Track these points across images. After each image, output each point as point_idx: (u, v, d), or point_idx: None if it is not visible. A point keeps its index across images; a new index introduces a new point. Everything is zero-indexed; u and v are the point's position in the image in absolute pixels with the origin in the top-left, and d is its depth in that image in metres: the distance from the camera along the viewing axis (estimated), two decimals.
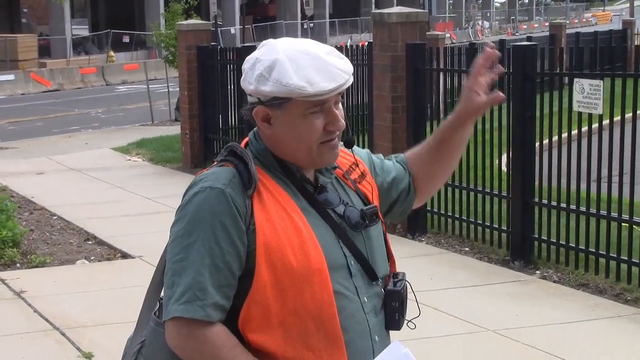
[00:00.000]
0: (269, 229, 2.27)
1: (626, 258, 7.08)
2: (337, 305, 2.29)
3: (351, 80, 2.32)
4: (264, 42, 2.37)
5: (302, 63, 2.27)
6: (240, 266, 2.28)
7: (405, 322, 2.49)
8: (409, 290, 2.50)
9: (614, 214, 7.23)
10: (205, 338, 2.24)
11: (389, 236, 2.60)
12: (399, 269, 2.57)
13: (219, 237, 2.26)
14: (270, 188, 2.33)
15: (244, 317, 2.27)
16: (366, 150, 2.70)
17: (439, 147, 2.64)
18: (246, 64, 2.35)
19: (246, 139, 2.44)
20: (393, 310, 2.44)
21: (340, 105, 2.36)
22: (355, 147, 2.59)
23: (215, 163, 2.38)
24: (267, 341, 2.27)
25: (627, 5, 53.01)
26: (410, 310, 2.53)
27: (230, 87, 12.92)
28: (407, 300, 2.49)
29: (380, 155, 2.72)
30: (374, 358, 2.36)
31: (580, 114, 7.48)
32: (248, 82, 2.32)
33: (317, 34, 49.66)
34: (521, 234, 7.93)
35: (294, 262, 2.26)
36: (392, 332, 2.50)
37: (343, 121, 2.35)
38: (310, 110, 2.30)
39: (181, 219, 2.31)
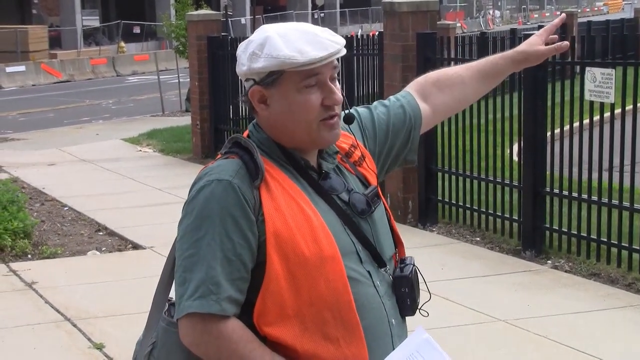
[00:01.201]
0: (279, 219, 2.24)
1: (638, 247, 7.05)
2: (352, 291, 2.26)
3: (343, 51, 2.31)
4: (259, 28, 2.38)
5: (293, 37, 2.27)
6: (252, 258, 2.24)
7: (418, 310, 2.46)
8: (418, 274, 2.46)
9: (626, 204, 7.20)
10: (220, 333, 2.20)
11: (398, 225, 2.57)
12: None
13: (230, 230, 2.22)
14: (276, 177, 2.29)
15: (259, 310, 2.23)
16: (359, 115, 2.64)
17: (483, 79, 2.76)
18: (239, 49, 2.35)
19: (247, 132, 2.41)
20: (403, 295, 2.41)
21: (337, 82, 2.34)
22: (359, 121, 2.58)
23: (220, 156, 2.35)
24: (284, 334, 2.22)
25: None
26: (423, 297, 2.50)
27: None
28: (419, 284, 2.45)
29: (377, 110, 2.66)
30: (392, 341, 2.34)
31: (592, 103, 7.44)
32: (241, 64, 2.32)
33: (327, 24, 49.53)
34: (532, 224, 7.91)
35: (306, 250, 2.22)
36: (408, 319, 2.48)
37: (340, 95, 2.33)
38: (304, 83, 2.27)
39: (189, 214, 2.27)
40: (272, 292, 2.22)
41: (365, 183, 2.47)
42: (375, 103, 2.70)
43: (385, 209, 2.50)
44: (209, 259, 2.21)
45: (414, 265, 2.45)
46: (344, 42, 2.32)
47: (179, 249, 2.27)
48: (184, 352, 2.27)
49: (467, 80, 2.73)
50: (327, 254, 2.24)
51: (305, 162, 2.36)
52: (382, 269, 2.39)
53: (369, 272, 2.34)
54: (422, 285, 2.49)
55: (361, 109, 2.65)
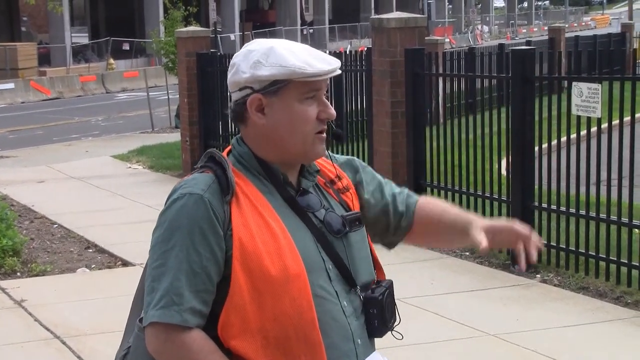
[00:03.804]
0: (246, 235, 2.28)
1: (626, 261, 7.08)
2: (317, 309, 2.29)
3: (339, 70, 2.38)
4: (250, 42, 2.42)
5: (296, 50, 2.34)
6: (219, 271, 2.28)
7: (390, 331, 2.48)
8: (393, 298, 2.48)
9: (614, 217, 7.23)
10: (183, 343, 2.24)
11: None
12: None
13: (197, 243, 2.27)
14: (248, 193, 2.33)
15: (223, 323, 2.27)
16: (368, 169, 2.65)
17: (443, 232, 2.70)
18: (236, 59, 2.38)
19: (229, 147, 2.45)
20: (372, 317, 2.43)
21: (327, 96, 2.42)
22: (360, 164, 2.61)
23: (195, 170, 2.40)
24: (246, 347, 2.26)
25: (626, 8, 53.09)
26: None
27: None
28: (391, 307, 2.46)
29: (388, 186, 2.65)
30: None
31: (579, 117, 7.48)
32: (242, 72, 2.34)
33: (316, 40, 49.69)
34: None
35: (271, 268, 2.25)
36: (387, 341, 2.50)
37: (333, 110, 2.40)
38: (306, 95, 2.33)
39: (161, 225, 2.32)
40: (235, 306, 2.26)
41: (347, 209, 2.48)
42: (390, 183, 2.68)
43: (368, 236, 2.53)
44: (175, 270, 2.26)
45: (387, 288, 2.46)
46: (339, 62, 2.40)
47: (150, 258, 2.33)
48: (152, 359, 2.32)
49: (446, 232, 2.69)
50: (292, 272, 2.27)
51: (284, 177, 2.40)
52: (353, 290, 2.41)
53: (336, 291, 2.36)
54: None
55: (368, 178, 2.62)
